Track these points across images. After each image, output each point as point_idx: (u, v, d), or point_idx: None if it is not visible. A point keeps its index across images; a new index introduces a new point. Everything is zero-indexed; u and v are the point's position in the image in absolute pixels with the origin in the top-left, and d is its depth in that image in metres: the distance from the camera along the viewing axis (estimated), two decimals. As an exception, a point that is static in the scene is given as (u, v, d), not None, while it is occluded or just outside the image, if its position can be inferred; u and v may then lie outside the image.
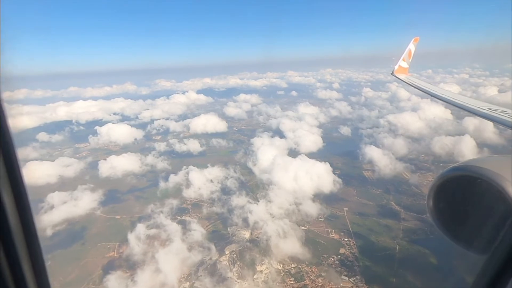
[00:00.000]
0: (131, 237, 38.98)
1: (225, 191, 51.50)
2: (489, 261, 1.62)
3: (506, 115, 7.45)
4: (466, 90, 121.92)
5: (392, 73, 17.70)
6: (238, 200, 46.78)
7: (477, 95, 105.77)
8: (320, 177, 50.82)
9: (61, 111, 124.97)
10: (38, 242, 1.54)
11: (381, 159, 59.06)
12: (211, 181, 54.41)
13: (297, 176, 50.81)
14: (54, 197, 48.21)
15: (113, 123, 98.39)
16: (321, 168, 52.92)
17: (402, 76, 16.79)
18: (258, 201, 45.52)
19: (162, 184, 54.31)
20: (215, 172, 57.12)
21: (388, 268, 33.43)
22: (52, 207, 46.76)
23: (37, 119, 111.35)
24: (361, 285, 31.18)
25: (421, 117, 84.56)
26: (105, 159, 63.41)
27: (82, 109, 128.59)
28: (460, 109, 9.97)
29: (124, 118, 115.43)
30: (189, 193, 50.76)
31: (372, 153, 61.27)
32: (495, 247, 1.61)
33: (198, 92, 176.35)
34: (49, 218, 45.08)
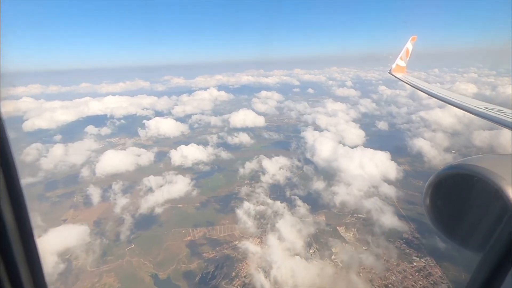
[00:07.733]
0: (239, 212, 43.83)
1: (300, 177, 56.40)
2: (485, 258, 1.66)
3: (502, 114, 7.51)
4: (481, 90, 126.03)
5: (389, 72, 17.91)
6: (317, 184, 51.75)
7: (497, 94, 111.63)
8: (384, 164, 56.31)
9: (93, 106, 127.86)
10: (34, 241, 1.52)
11: (429, 150, 64.32)
12: (280, 168, 59.52)
13: (362, 164, 56.20)
14: (151, 181, 53.00)
15: (159, 117, 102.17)
16: (382, 156, 58.33)
17: (399, 75, 16.97)
18: (337, 185, 50.59)
19: (241, 171, 59.19)
20: (281, 161, 62.03)
21: (453, 249, 34.22)
22: (150, 190, 51.44)
23: (73, 114, 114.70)
24: (433, 264, 33.74)
25: (451, 113, 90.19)
26: (175, 149, 67.71)
27: (113, 105, 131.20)
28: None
29: (157, 113, 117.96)
30: (266, 179, 55.58)
31: (421, 144, 66.55)
32: (491, 244, 1.65)
33: (217, 89, 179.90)
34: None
